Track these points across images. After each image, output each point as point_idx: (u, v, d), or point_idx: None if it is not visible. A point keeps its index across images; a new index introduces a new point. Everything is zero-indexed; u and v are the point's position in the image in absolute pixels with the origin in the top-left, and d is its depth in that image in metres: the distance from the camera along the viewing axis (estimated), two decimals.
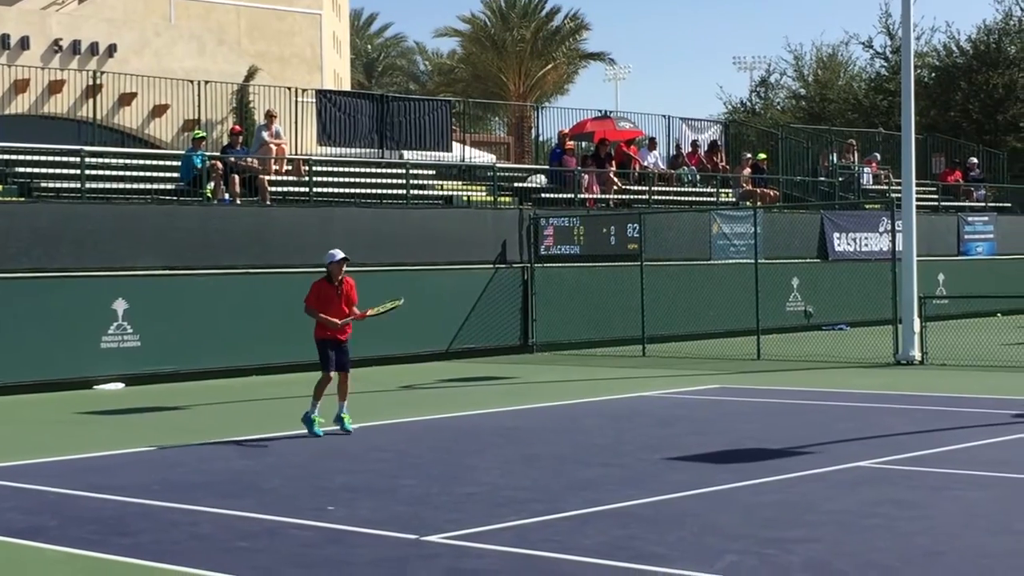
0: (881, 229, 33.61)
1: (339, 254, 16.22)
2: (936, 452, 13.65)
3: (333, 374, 16.12)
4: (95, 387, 22.03)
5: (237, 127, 27.98)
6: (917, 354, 23.54)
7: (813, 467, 12.70)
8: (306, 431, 15.84)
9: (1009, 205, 43.69)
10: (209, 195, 25.24)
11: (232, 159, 26.08)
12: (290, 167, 28.09)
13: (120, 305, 22.52)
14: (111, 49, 34.10)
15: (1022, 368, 22.25)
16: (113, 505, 11.56)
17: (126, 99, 31.89)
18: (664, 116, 37.28)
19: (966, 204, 41.37)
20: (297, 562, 9.23)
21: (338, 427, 15.97)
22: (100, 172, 25.31)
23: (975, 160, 43.67)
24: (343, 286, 16.16)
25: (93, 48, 33.91)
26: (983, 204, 41.90)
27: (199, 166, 25.37)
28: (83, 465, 14.02)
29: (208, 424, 17.29)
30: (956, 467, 12.74)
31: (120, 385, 22.29)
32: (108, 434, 16.62)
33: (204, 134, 27.02)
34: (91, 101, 29.88)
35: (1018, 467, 12.72)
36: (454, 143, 32.40)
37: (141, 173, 26.11)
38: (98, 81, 30.26)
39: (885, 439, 14.66)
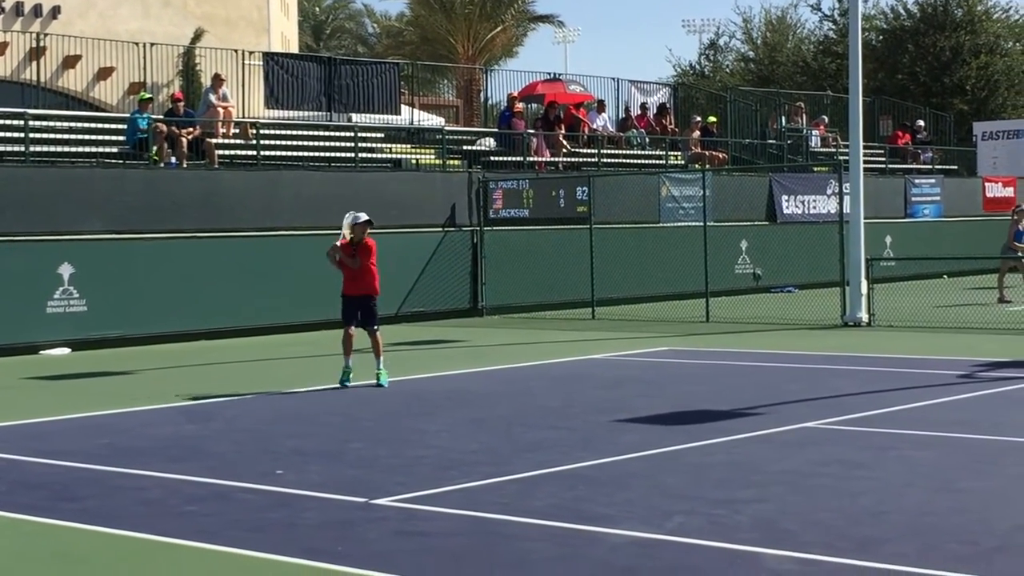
0: (829, 191, 33.79)
1: (363, 216, 16.76)
2: (883, 412, 13.75)
3: (354, 330, 16.80)
4: (41, 352, 21.86)
5: (179, 93, 27.74)
6: (864, 316, 23.69)
7: (761, 428, 12.77)
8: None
9: (956, 168, 44.03)
10: (155, 158, 25.03)
11: (175, 127, 25.83)
12: (237, 130, 27.90)
13: (66, 270, 22.34)
14: (55, 11, 33.68)
15: (968, 329, 22.44)
16: (59, 470, 11.49)
17: (70, 62, 31.52)
18: (613, 79, 37.29)
19: (913, 167, 41.64)
20: (245, 526, 9.21)
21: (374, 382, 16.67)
22: (44, 135, 25.02)
23: (922, 123, 43.93)
24: (361, 246, 16.67)
25: (36, 10, 33.48)
26: (930, 167, 42.20)
27: (144, 127, 25.14)
28: (29, 431, 13.92)
29: (156, 389, 17.20)
30: (902, 427, 12.84)
31: (66, 350, 22.13)
32: (54, 399, 16.50)
33: (151, 96, 26.78)
34: (35, 64, 29.52)
35: (963, 427, 12.83)
36: (403, 106, 32.25)
37: (86, 136, 25.83)
38: (42, 43, 29.90)
39: (832, 400, 14.77)
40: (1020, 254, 28.37)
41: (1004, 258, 28.84)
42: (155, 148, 25.12)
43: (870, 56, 49.95)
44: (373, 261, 16.76)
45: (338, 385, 16.65)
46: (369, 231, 16.82)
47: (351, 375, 16.71)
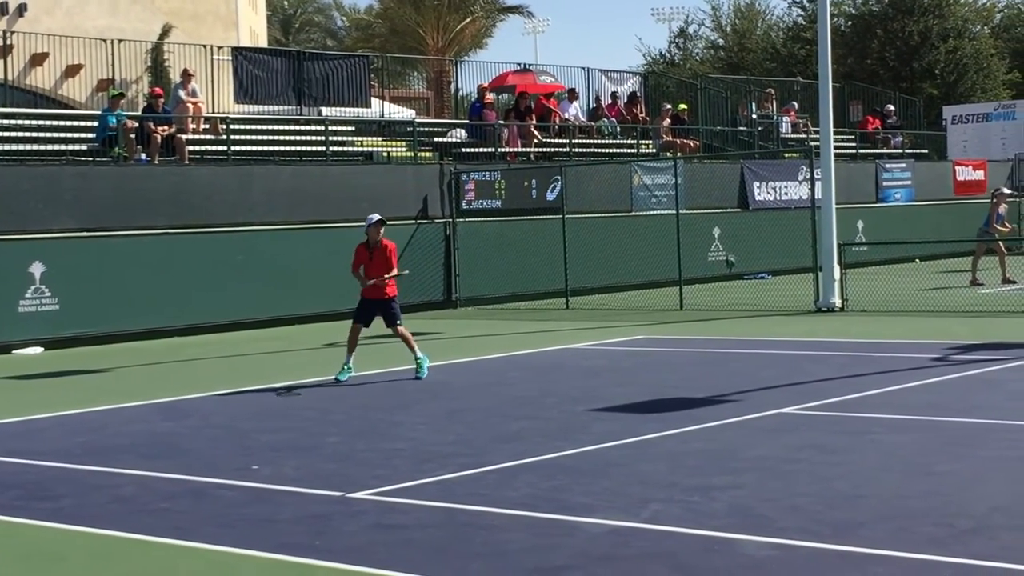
0: (800, 178, 33.88)
1: (374, 217, 16.75)
2: (857, 397, 13.79)
3: (360, 327, 16.81)
4: (14, 352, 21.76)
5: (158, 89, 27.62)
6: (837, 301, 23.75)
7: (737, 415, 12.79)
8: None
9: (926, 151, 44.20)
10: (124, 155, 24.92)
11: (150, 123, 25.71)
12: (207, 126, 27.79)
13: (37, 268, 22.23)
14: (21, 8, 33.46)
15: (940, 312, 22.53)
16: (34, 470, 11.43)
17: (38, 59, 31.34)
18: (583, 68, 37.33)
19: (884, 151, 41.78)
20: (221, 522, 9.18)
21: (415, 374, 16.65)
22: (12, 134, 24.90)
23: (892, 107, 44.07)
24: (378, 249, 16.58)
25: (3, 8, 33.26)
26: (900, 151, 42.33)
27: (113, 124, 25.03)
28: (2, 431, 13.84)
29: (129, 386, 17.13)
30: (877, 411, 12.88)
31: (39, 349, 22.02)
32: (27, 398, 16.42)
33: (121, 92, 26.66)
34: (2, 62, 29.33)
35: (937, 410, 12.88)
36: (373, 99, 32.18)
37: (55, 134, 25.71)
38: (8, 41, 29.71)
39: (807, 385, 14.80)
40: (997, 236, 28.51)
41: (980, 241, 28.92)
42: (124, 144, 24.99)
43: (839, 42, 50.12)
44: (394, 262, 16.71)
45: (332, 378, 16.52)
46: (383, 230, 16.72)
47: (349, 373, 16.49)
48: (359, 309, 16.78)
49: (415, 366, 16.67)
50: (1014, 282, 26.94)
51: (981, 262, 28.44)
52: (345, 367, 16.48)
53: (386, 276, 16.56)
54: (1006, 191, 30.89)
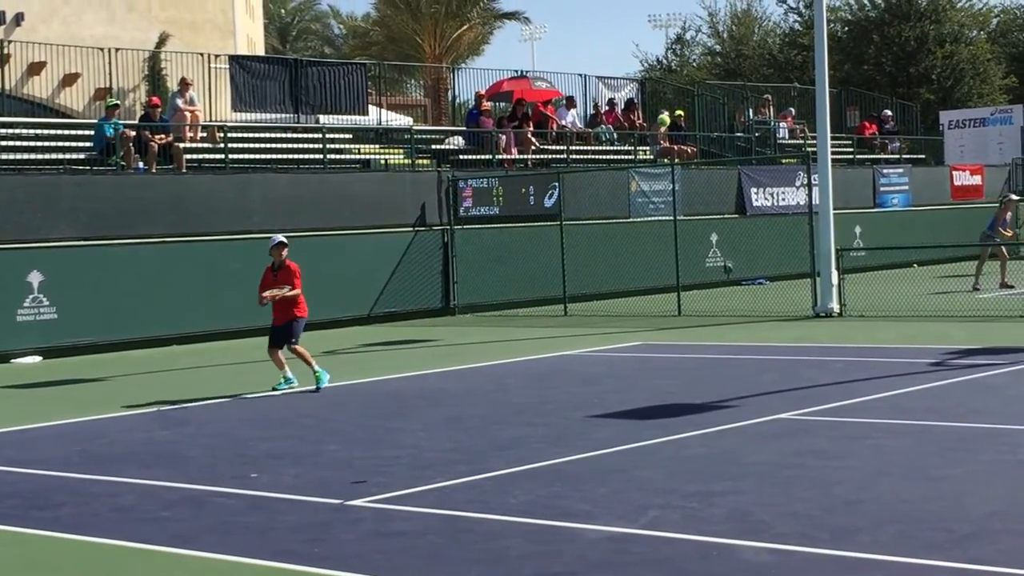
0: (798, 183, 33.86)
1: (276, 238, 16.99)
2: (855, 402, 13.79)
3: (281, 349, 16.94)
4: (12, 361, 21.74)
5: (155, 98, 27.62)
6: (836, 306, 23.76)
7: (735, 420, 12.80)
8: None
9: (923, 157, 44.22)
10: (122, 164, 24.92)
11: (147, 132, 25.72)
12: (205, 134, 27.80)
13: (35, 277, 22.22)
14: (18, 18, 33.42)
15: (938, 317, 22.53)
16: (33, 479, 11.43)
17: (35, 68, 31.32)
18: (581, 75, 37.31)
19: (881, 156, 41.81)
20: (220, 530, 9.18)
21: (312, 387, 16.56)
22: (11, 143, 24.90)
23: (889, 112, 44.11)
24: (282, 270, 16.77)
25: (0, 17, 33.28)
26: (898, 156, 42.37)
27: (110, 135, 25.04)
28: (1, 440, 13.83)
29: (128, 395, 17.12)
30: (875, 416, 12.89)
31: (38, 358, 22.01)
32: (26, 408, 16.42)
33: (117, 102, 26.66)
34: None
35: (935, 415, 12.89)
36: (370, 106, 32.19)
37: (53, 143, 25.71)
38: (6, 51, 29.70)
39: (805, 391, 14.80)
40: (999, 240, 28.52)
41: (984, 245, 28.86)
42: (122, 153, 25.00)
43: (836, 47, 50.14)
44: (298, 284, 16.73)
45: (313, 388, 16.51)
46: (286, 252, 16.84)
47: (286, 385, 16.71)
48: (271, 334, 16.96)
49: (315, 380, 16.59)
50: (1012, 287, 26.97)
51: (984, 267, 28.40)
52: (283, 379, 16.74)
53: (274, 292, 16.57)
54: (1015, 197, 30.99)
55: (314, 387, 16.51)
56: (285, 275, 16.72)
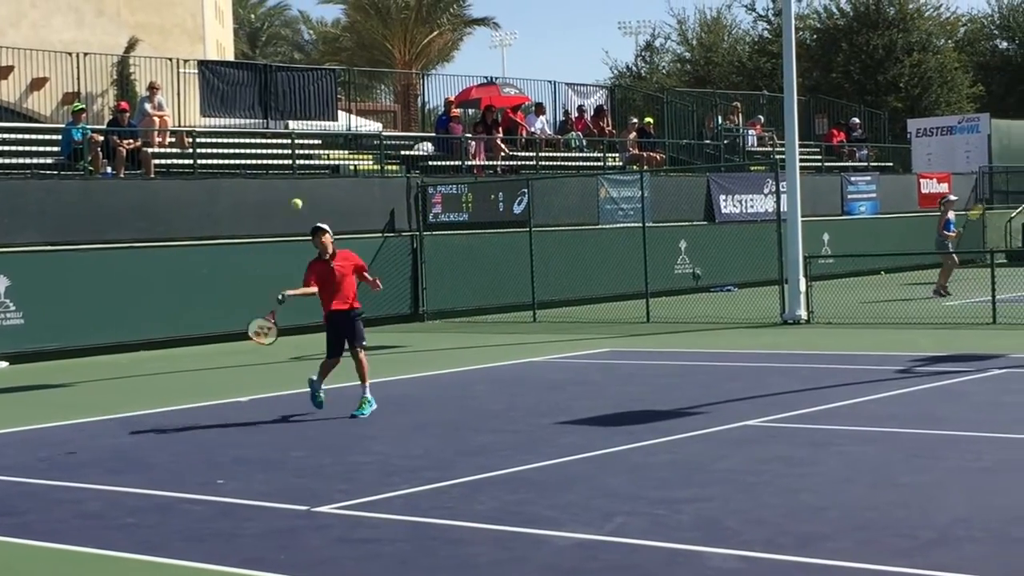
0: (766, 190, 34.00)
1: (317, 226, 14.82)
2: (822, 409, 13.85)
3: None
4: None
5: (124, 103, 27.53)
6: (803, 313, 23.84)
7: (702, 427, 12.83)
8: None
9: (891, 164, 44.48)
10: (90, 169, 24.83)
11: (115, 136, 25.64)
12: (174, 139, 27.73)
13: (2, 282, 22.11)
14: None
15: (905, 324, 22.64)
16: None
17: (3, 72, 31.18)
18: (550, 82, 37.42)
19: (849, 164, 42.01)
20: (186, 536, 9.15)
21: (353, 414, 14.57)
22: None
23: (857, 120, 44.31)
24: (335, 260, 14.76)
25: None
26: (865, 164, 42.59)
27: (78, 139, 24.96)
28: None
29: (95, 401, 17.06)
30: (842, 423, 12.94)
31: (4, 364, 21.89)
32: None
33: (83, 106, 26.57)
34: None
35: (901, 421, 12.95)
36: (340, 112, 32.17)
37: (20, 148, 25.61)
38: None
39: (773, 397, 14.85)
40: (949, 244, 28.46)
41: (942, 253, 28.82)
42: (90, 158, 24.91)
43: (804, 55, 50.36)
44: (362, 267, 14.99)
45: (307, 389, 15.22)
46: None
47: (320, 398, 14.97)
48: (332, 338, 14.98)
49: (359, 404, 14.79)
50: (949, 295, 27.02)
51: (953, 274, 28.33)
52: (318, 395, 14.89)
53: (294, 292, 14.82)
54: (953, 198, 30.85)
55: (354, 412, 14.53)
56: (349, 261, 14.69)
